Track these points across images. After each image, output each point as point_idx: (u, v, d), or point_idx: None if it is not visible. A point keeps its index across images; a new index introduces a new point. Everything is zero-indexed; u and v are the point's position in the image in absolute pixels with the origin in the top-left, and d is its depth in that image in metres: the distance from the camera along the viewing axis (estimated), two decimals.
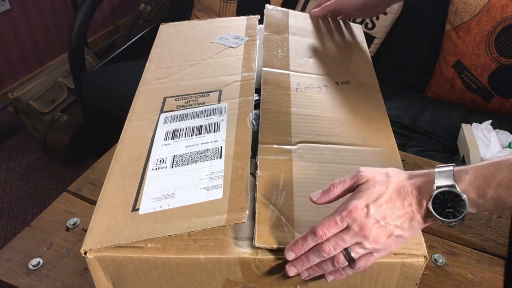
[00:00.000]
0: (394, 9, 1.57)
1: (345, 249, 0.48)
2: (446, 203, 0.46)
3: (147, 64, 0.77)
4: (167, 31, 0.87)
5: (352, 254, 0.48)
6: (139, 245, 0.51)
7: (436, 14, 1.53)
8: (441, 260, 0.69)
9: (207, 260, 0.50)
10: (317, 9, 0.89)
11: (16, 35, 2.09)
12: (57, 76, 1.91)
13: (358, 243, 0.48)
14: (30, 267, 0.68)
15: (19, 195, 1.76)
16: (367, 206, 0.47)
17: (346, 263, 0.49)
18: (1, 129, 2.04)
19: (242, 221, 0.48)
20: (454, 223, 0.47)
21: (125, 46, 1.80)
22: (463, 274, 0.68)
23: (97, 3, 1.66)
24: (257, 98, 0.74)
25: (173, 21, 0.90)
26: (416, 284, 0.52)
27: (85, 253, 0.50)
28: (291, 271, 0.50)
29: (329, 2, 0.87)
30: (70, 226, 0.74)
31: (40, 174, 1.85)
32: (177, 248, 0.51)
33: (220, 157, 0.57)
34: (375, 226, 0.47)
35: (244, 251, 0.50)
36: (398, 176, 0.49)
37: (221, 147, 0.59)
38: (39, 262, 0.69)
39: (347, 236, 0.48)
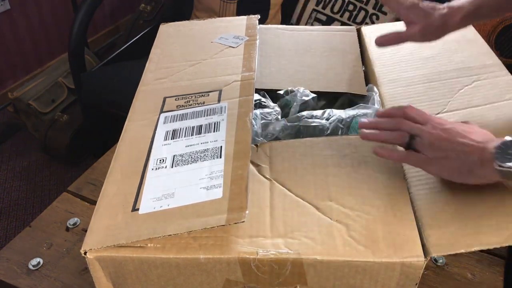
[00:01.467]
0: None
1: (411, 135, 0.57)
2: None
3: (147, 64, 0.77)
4: (167, 31, 0.87)
5: (413, 141, 0.57)
6: (139, 245, 0.51)
7: None
8: (441, 260, 0.69)
9: (207, 260, 0.50)
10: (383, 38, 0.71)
11: (16, 35, 2.09)
12: (57, 76, 1.90)
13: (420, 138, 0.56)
14: (30, 267, 0.68)
15: (19, 195, 1.76)
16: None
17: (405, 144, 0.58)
18: (1, 129, 2.04)
19: (242, 221, 0.48)
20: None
21: (125, 46, 1.80)
22: (463, 274, 0.68)
23: (97, 3, 1.66)
24: (257, 98, 0.74)
25: (173, 21, 0.90)
26: (416, 284, 0.52)
27: (85, 253, 0.50)
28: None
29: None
30: (70, 226, 0.74)
31: (40, 174, 1.85)
32: (177, 248, 0.51)
33: (220, 157, 0.57)
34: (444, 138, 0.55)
35: (244, 250, 0.50)
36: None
37: (221, 146, 0.59)
38: (39, 262, 0.69)
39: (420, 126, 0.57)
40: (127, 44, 1.80)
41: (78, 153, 1.85)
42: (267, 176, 0.59)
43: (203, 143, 0.60)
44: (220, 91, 0.68)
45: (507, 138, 0.52)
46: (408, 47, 0.83)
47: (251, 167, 0.60)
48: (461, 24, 0.69)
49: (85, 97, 1.67)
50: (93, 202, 0.78)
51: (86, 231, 0.52)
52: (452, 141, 0.55)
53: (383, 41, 0.71)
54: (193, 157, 0.58)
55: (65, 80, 1.91)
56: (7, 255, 0.70)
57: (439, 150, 0.55)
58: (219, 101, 0.67)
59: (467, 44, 0.81)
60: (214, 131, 0.61)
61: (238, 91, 0.68)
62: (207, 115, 0.64)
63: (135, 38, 1.82)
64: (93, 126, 1.80)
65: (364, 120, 0.64)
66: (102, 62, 1.74)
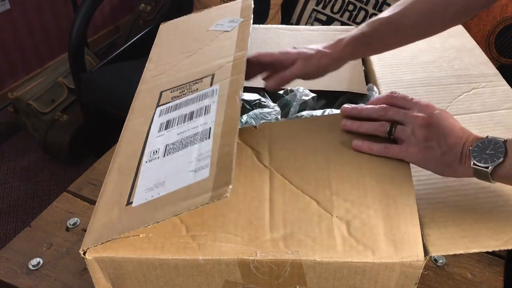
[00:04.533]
0: None
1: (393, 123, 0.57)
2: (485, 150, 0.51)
3: (147, 64, 0.77)
4: (167, 30, 0.86)
5: (394, 129, 0.57)
6: (131, 237, 0.50)
7: None
8: (441, 260, 0.69)
9: (206, 261, 0.50)
10: (272, 82, 0.72)
11: (16, 35, 2.09)
12: (57, 76, 1.91)
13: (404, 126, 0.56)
14: (30, 267, 0.68)
15: (19, 195, 1.76)
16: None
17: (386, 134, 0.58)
18: (1, 129, 2.04)
19: (225, 196, 0.46)
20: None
21: (125, 46, 1.80)
22: (463, 274, 0.68)
23: (97, 3, 1.66)
24: (257, 97, 0.74)
25: None
26: (416, 284, 0.52)
27: (84, 253, 0.50)
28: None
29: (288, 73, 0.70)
30: (70, 226, 0.74)
31: (40, 174, 1.85)
32: (176, 248, 0.51)
33: (209, 138, 0.56)
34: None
35: (243, 251, 0.50)
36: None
37: (210, 128, 0.57)
38: (39, 262, 0.69)
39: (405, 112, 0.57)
40: (127, 44, 1.80)
41: (78, 153, 1.85)
42: (267, 165, 0.58)
43: (194, 127, 0.58)
44: (213, 75, 0.66)
45: (489, 136, 0.52)
46: (409, 51, 0.83)
47: (250, 152, 0.59)
48: (345, 51, 0.67)
49: (85, 97, 1.67)
50: (93, 202, 0.78)
51: (86, 231, 0.52)
52: (437, 126, 0.55)
53: (273, 86, 0.71)
54: (183, 143, 0.57)
55: (65, 80, 1.91)
56: (7, 255, 0.70)
57: (421, 139, 0.55)
58: (211, 85, 0.65)
59: (466, 53, 0.82)
60: (205, 115, 0.60)
61: (230, 71, 0.66)
62: (199, 101, 0.62)
63: (135, 38, 1.82)
64: (93, 126, 1.80)
65: (347, 106, 0.61)
66: (102, 62, 1.74)
